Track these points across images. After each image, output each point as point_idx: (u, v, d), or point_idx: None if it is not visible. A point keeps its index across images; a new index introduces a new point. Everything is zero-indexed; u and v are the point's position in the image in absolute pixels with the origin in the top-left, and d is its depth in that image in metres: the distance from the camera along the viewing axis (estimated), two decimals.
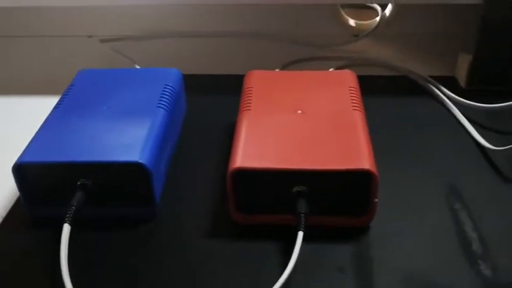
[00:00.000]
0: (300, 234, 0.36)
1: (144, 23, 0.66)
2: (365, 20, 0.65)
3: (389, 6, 0.63)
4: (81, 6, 0.64)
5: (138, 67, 0.58)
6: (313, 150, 0.39)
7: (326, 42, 0.63)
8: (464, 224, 0.40)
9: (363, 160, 0.37)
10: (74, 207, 0.38)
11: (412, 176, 0.44)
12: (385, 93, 0.54)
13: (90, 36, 0.68)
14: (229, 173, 0.38)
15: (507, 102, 0.48)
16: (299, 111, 0.42)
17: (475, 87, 0.54)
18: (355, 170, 0.37)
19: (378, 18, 0.64)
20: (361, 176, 0.37)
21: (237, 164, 0.38)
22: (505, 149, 0.44)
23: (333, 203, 0.39)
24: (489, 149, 0.46)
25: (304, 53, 0.60)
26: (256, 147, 0.39)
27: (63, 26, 0.68)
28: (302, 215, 0.37)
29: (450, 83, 0.55)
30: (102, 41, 0.63)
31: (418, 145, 0.47)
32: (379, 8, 0.64)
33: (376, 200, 0.38)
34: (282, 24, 0.64)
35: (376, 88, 0.54)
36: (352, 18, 0.65)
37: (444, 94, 0.53)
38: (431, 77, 0.56)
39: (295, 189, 0.38)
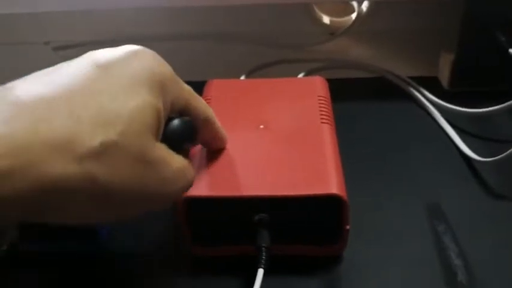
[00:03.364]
0: (260, 271, 0.31)
1: (104, 28, 0.61)
2: (341, 17, 0.60)
3: (366, 2, 0.58)
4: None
5: None
6: (275, 173, 0.34)
7: (298, 42, 0.58)
8: (448, 249, 0.35)
9: (331, 184, 0.33)
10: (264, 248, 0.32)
11: (390, 195, 0.40)
12: (360, 98, 0.50)
13: (47, 43, 0.63)
14: (180, 203, 0.33)
15: (493, 105, 0.43)
16: (261, 126, 0.38)
17: (459, 89, 0.49)
18: (321, 196, 0.33)
19: (354, 15, 0.59)
20: (329, 202, 0.33)
21: (188, 192, 0.33)
22: (492, 161, 0.40)
23: (300, 231, 0.35)
24: (475, 160, 0.41)
25: (273, 55, 0.56)
26: (211, 171, 0.35)
27: (16, 31, 0.63)
28: (263, 248, 0.32)
29: (432, 84, 0.51)
30: (56, 48, 0.58)
31: (397, 158, 0.43)
32: (355, 4, 0.59)
33: (348, 227, 0.34)
34: (248, 24, 0.59)
35: (350, 92, 0.50)
36: (327, 14, 0.60)
37: (425, 97, 0.49)
38: (413, 77, 0.52)
39: (256, 217, 0.34)
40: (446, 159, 0.43)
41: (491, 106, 0.44)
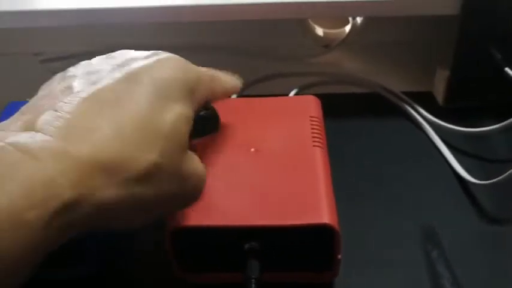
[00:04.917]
0: None
1: (94, 39, 0.60)
2: (335, 29, 0.59)
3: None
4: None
5: None
6: (265, 201, 0.33)
7: (292, 55, 0.57)
8: (442, 277, 0.35)
9: (322, 213, 0.32)
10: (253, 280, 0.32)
11: (383, 219, 0.39)
12: (353, 114, 0.49)
13: (36, 54, 0.61)
14: (168, 232, 0.32)
15: (490, 124, 0.43)
16: (252, 149, 0.37)
17: (454, 105, 0.48)
18: (312, 225, 0.32)
19: (348, 27, 0.58)
20: (320, 231, 0.32)
21: (175, 222, 0.32)
22: (489, 183, 0.39)
23: (291, 259, 0.34)
24: (471, 182, 0.40)
25: (266, 68, 0.54)
26: (200, 198, 0.34)
27: (4, 42, 0.61)
28: (252, 280, 0.32)
29: (427, 99, 0.50)
30: (43, 61, 0.57)
31: (389, 179, 0.42)
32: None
33: (340, 256, 0.33)
34: (240, 37, 0.58)
35: (343, 108, 0.49)
36: (321, 26, 0.59)
37: (420, 114, 0.48)
38: (407, 93, 0.51)
39: (246, 246, 0.33)
40: (441, 180, 0.42)
41: (487, 124, 0.43)
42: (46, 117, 0.24)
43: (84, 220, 0.23)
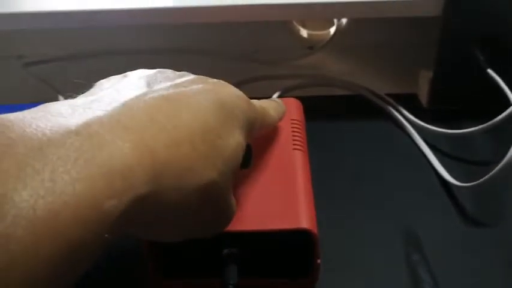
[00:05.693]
0: None
1: (78, 42, 0.59)
2: (320, 30, 0.59)
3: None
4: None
5: (62, 97, 0.51)
6: (243, 206, 0.33)
7: (276, 57, 0.57)
8: (423, 281, 0.34)
9: (301, 217, 0.32)
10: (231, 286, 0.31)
11: (364, 222, 0.38)
12: (336, 116, 0.49)
13: (19, 57, 0.61)
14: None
15: (474, 125, 0.42)
16: None
17: (438, 107, 0.48)
18: (291, 230, 0.31)
19: (333, 28, 0.58)
20: (299, 236, 0.32)
21: None
22: (471, 186, 0.39)
23: (270, 264, 0.34)
24: (453, 184, 0.40)
25: (250, 70, 0.54)
26: None
27: None
28: (230, 286, 0.31)
29: (412, 102, 0.50)
30: (27, 64, 0.57)
31: (371, 181, 0.42)
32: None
33: (319, 261, 0.32)
34: (224, 39, 0.58)
35: (326, 110, 0.49)
36: (305, 28, 0.59)
37: (404, 116, 0.47)
38: (392, 95, 0.50)
39: (225, 252, 0.32)
40: (423, 182, 0.42)
41: (471, 126, 0.43)
42: (121, 104, 0.23)
43: (143, 219, 0.22)
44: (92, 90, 0.26)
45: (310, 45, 0.59)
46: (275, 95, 0.49)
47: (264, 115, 0.33)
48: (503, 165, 0.36)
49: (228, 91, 0.28)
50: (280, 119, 0.37)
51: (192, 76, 0.29)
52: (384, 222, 0.38)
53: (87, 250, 0.19)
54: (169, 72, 0.29)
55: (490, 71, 0.42)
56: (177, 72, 0.29)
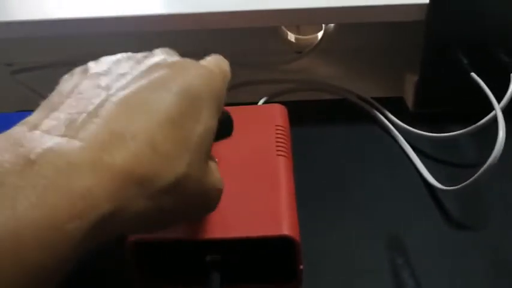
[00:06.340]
0: None
1: (65, 48, 0.59)
2: (307, 34, 0.59)
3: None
4: None
5: None
6: (226, 213, 0.33)
7: (264, 62, 0.57)
8: (408, 286, 0.34)
9: (282, 224, 0.32)
10: None
11: (348, 227, 0.39)
12: (323, 121, 0.49)
13: (8, 65, 0.61)
14: (129, 245, 0.32)
15: (459, 129, 0.43)
16: (216, 160, 0.37)
17: (423, 110, 0.48)
18: (272, 237, 0.32)
19: (321, 33, 0.58)
20: (280, 243, 0.32)
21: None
22: (455, 189, 0.39)
23: (253, 271, 0.34)
24: (438, 188, 0.40)
25: (238, 76, 0.54)
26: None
27: None
28: None
29: (399, 105, 0.50)
30: (14, 72, 0.57)
31: (357, 186, 0.42)
32: None
33: (302, 266, 0.33)
34: (212, 44, 0.58)
35: (313, 115, 0.49)
36: (293, 32, 0.59)
37: (389, 120, 0.48)
38: (380, 98, 0.50)
39: (208, 258, 0.33)
40: (408, 186, 0.42)
41: (456, 129, 0.43)
42: (80, 121, 0.23)
43: (116, 230, 0.23)
44: (53, 98, 0.26)
45: (299, 50, 0.59)
46: (261, 101, 0.49)
47: (224, 78, 0.31)
48: (485, 168, 0.36)
49: (190, 74, 0.27)
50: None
51: (155, 58, 0.28)
52: (368, 226, 0.39)
53: (51, 271, 0.20)
54: (130, 61, 0.28)
55: (473, 74, 0.43)
56: (140, 57, 0.29)
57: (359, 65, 0.57)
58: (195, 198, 0.26)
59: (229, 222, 0.32)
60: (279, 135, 0.39)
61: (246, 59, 0.57)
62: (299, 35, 0.59)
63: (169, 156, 0.24)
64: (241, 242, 0.32)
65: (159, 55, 0.29)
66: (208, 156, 0.27)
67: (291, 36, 0.59)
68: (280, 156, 0.37)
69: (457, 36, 0.45)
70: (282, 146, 0.38)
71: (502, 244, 0.37)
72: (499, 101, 0.41)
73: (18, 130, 0.23)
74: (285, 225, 0.32)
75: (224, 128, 0.29)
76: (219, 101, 0.28)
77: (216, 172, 0.28)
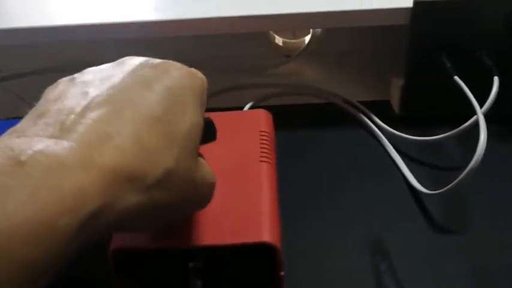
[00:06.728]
0: None
1: (47, 56, 0.59)
2: (295, 38, 0.59)
3: None
4: None
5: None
6: (207, 220, 0.33)
7: (252, 66, 0.57)
8: None
9: (263, 231, 0.32)
10: None
11: (332, 231, 0.39)
12: (309, 125, 0.49)
13: None
14: (110, 253, 0.32)
15: (444, 132, 0.43)
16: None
17: (410, 114, 0.48)
18: (252, 244, 0.32)
19: (308, 36, 0.58)
20: (261, 249, 0.32)
21: (117, 242, 0.32)
22: (438, 193, 0.39)
23: (234, 277, 0.34)
24: (422, 192, 0.40)
25: (227, 80, 0.54)
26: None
27: None
28: None
29: (385, 109, 0.50)
30: (2, 79, 0.57)
31: (341, 191, 0.42)
32: None
33: (283, 273, 0.33)
34: (201, 50, 0.58)
35: (299, 120, 0.49)
36: (282, 36, 0.59)
37: (375, 124, 0.48)
38: (366, 102, 0.51)
39: (190, 265, 0.33)
40: (393, 191, 0.42)
41: (442, 132, 0.43)
42: (68, 123, 0.24)
43: (108, 226, 0.23)
44: (40, 106, 0.26)
45: (287, 54, 0.59)
46: (247, 106, 0.49)
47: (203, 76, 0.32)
48: (467, 172, 0.37)
49: (172, 73, 0.28)
50: None
51: (139, 59, 0.29)
52: (352, 231, 0.39)
53: (45, 267, 0.20)
54: (115, 66, 0.29)
55: (456, 78, 0.43)
56: (124, 59, 0.29)
57: (346, 68, 0.58)
58: (187, 192, 0.27)
59: (210, 229, 0.32)
60: (263, 141, 0.39)
61: (233, 64, 0.58)
62: (287, 38, 0.59)
63: (156, 150, 0.25)
64: (222, 249, 0.32)
65: (143, 57, 0.30)
66: (197, 152, 0.28)
67: (279, 40, 0.59)
68: (263, 162, 0.37)
69: (440, 39, 0.45)
70: (266, 152, 0.38)
71: (486, 248, 0.37)
72: (482, 104, 0.41)
73: (7, 137, 0.24)
74: (265, 232, 0.32)
75: (207, 132, 0.30)
76: (201, 97, 0.29)
77: (206, 167, 0.29)
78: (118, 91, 0.26)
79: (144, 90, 0.27)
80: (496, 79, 0.43)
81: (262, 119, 0.42)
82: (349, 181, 0.43)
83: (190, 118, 0.27)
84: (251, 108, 0.49)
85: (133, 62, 0.29)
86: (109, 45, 0.58)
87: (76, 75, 0.29)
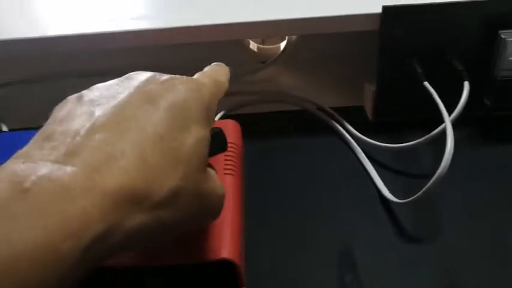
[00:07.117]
0: None
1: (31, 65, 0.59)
2: (270, 44, 0.59)
3: None
4: None
5: (6, 128, 0.51)
6: None
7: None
8: None
9: (222, 247, 0.32)
10: None
11: (300, 241, 0.38)
12: (281, 133, 0.48)
13: None
14: None
15: (417, 138, 0.42)
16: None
17: (382, 119, 0.48)
18: (211, 261, 0.31)
19: (284, 42, 0.58)
20: (220, 266, 0.32)
21: None
22: (407, 202, 0.38)
23: None
24: (391, 201, 0.40)
25: None
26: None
27: None
28: None
29: (360, 115, 0.50)
30: None
31: (311, 199, 0.42)
32: None
33: None
34: (176, 58, 0.58)
35: (271, 127, 0.49)
36: (257, 42, 0.59)
37: (347, 131, 0.47)
38: (341, 108, 0.50)
39: (150, 283, 0.32)
40: (364, 200, 0.41)
41: (415, 138, 0.43)
42: (73, 146, 0.24)
43: (114, 248, 0.23)
44: (47, 127, 0.27)
45: (262, 60, 0.59)
46: (218, 115, 0.49)
47: (217, 87, 0.32)
48: (433, 180, 0.36)
49: (177, 89, 0.28)
50: (229, 79, 0.36)
51: (146, 74, 0.29)
52: (320, 241, 0.38)
53: None
54: (122, 82, 0.29)
55: (426, 83, 0.42)
56: (131, 74, 0.29)
57: (322, 74, 0.57)
58: (194, 207, 0.27)
59: (169, 248, 0.32)
60: (229, 153, 0.39)
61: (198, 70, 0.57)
62: (262, 44, 0.58)
63: (161, 170, 0.25)
64: (182, 268, 0.32)
65: (150, 72, 0.29)
66: (205, 165, 0.27)
67: (254, 46, 0.58)
68: (227, 175, 0.37)
69: (411, 44, 0.44)
70: (231, 164, 0.38)
71: (455, 256, 0.37)
72: (454, 107, 0.40)
73: (13, 162, 0.24)
74: (225, 248, 0.32)
75: (217, 143, 0.29)
76: (208, 111, 0.29)
77: (215, 179, 0.29)
78: (123, 110, 0.26)
79: (149, 108, 0.26)
80: (466, 84, 0.42)
81: (230, 130, 0.41)
82: (320, 190, 0.42)
83: (195, 133, 0.27)
84: (222, 117, 0.49)
85: (140, 77, 0.29)
86: (84, 55, 0.58)
87: (84, 92, 0.29)
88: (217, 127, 0.30)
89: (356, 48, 0.54)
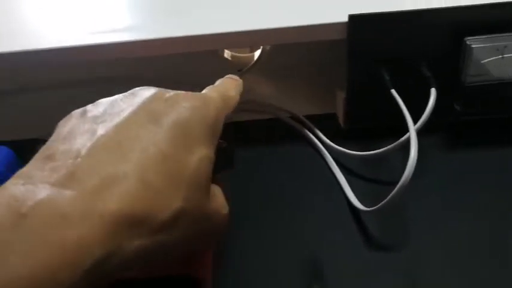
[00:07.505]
0: None
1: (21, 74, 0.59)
2: (245, 52, 0.59)
3: None
4: None
5: None
6: None
7: (204, 82, 0.57)
8: None
9: (190, 262, 0.32)
10: None
11: (267, 251, 0.39)
12: (253, 142, 0.49)
13: None
14: None
15: (387, 145, 0.43)
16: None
17: (353, 127, 0.49)
18: (178, 277, 0.32)
19: (259, 51, 0.58)
20: (187, 282, 0.32)
21: None
22: (373, 210, 0.39)
23: None
24: (359, 209, 0.40)
25: None
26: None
27: None
28: None
29: (331, 122, 0.50)
30: None
31: (281, 208, 0.42)
32: None
33: None
34: (146, 66, 0.58)
35: (245, 136, 0.49)
36: (234, 51, 0.59)
37: (319, 139, 0.48)
38: (314, 116, 0.51)
39: None
40: (333, 208, 0.42)
41: (386, 145, 0.43)
42: (73, 168, 0.24)
43: (113, 272, 0.23)
44: (50, 144, 0.26)
45: (237, 68, 0.59)
46: None
47: (225, 102, 0.32)
48: (397, 189, 0.37)
49: (182, 106, 0.28)
50: (240, 93, 0.36)
51: (143, 97, 0.28)
52: (288, 250, 0.39)
53: None
54: (126, 98, 0.28)
55: (393, 91, 0.43)
56: (136, 89, 0.29)
57: (297, 82, 0.57)
58: (195, 228, 0.26)
59: None
60: None
61: (183, 80, 0.57)
62: (235, 52, 0.59)
63: (163, 191, 0.24)
64: (150, 282, 0.32)
65: (154, 88, 0.29)
66: (208, 185, 0.27)
67: (228, 54, 0.59)
68: None
69: (379, 52, 0.45)
70: None
71: (421, 264, 0.37)
72: (422, 114, 0.41)
73: (14, 182, 0.24)
74: (192, 263, 0.32)
75: (224, 160, 0.29)
76: (213, 128, 0.29)
77: (219, 198, 0.29)
78: (126, 129, 0.26)
79: (152, 127, 0.26)
80: (433, 90, 0.43)
81: None
82: (290, 199, 0.43)
83: (199, 152, 0.27)
84: None
85: (144, 93, 0.28)
86: (64, 66, 0.58)
87: (89, 107, 0.29)
88: (223, 142, 0.30)
89: (329, 56, 0.55)
